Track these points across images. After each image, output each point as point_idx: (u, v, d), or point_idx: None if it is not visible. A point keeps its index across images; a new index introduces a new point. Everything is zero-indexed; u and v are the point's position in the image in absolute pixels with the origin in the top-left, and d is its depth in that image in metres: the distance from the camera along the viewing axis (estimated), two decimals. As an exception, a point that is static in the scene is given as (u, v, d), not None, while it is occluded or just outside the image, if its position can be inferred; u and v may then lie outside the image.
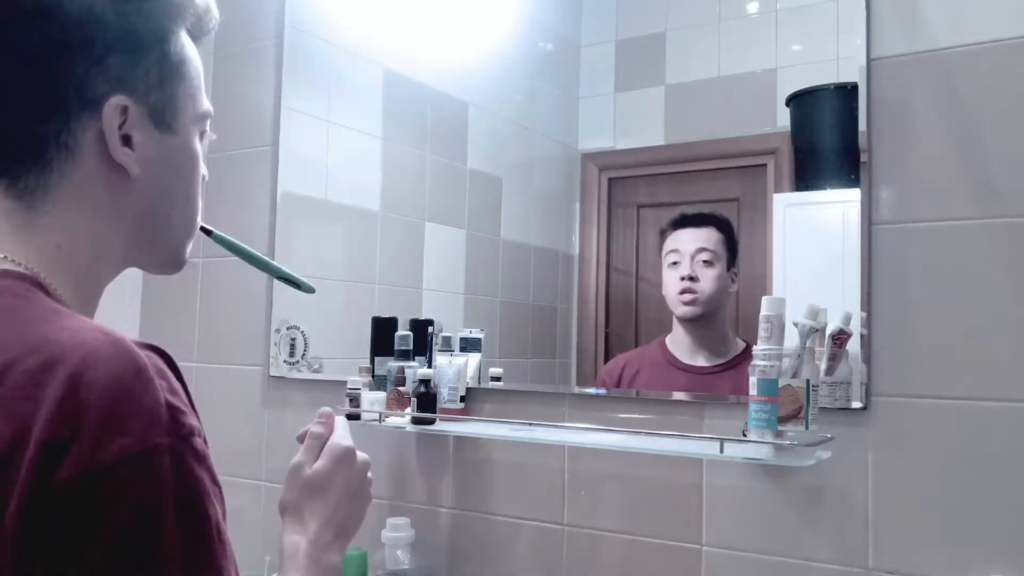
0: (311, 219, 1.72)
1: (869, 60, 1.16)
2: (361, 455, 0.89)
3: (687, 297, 1.35)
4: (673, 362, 1.37)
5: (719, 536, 1.22)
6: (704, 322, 1.36)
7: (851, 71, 1.17)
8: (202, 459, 0.57)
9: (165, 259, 0.77)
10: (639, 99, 1.47)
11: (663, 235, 1.39)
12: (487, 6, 1.65)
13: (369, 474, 0.90)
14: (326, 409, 0.91)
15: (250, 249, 0.93)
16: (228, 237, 0.88)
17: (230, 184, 1.76)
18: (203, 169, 0.78)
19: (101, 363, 0.54)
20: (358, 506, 0.88)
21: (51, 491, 0.50)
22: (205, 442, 0.58)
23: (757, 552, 1.19)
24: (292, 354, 1.66)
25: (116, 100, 0.66)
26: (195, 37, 0.75)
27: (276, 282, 1.66)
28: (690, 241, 1.35)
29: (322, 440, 0.88)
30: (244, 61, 1.78)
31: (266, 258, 0.97)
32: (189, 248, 0.78)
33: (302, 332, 1.66)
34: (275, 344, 1.67)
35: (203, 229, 0.82)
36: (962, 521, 1.08)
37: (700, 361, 1.35)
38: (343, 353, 1.66)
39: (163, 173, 0.71)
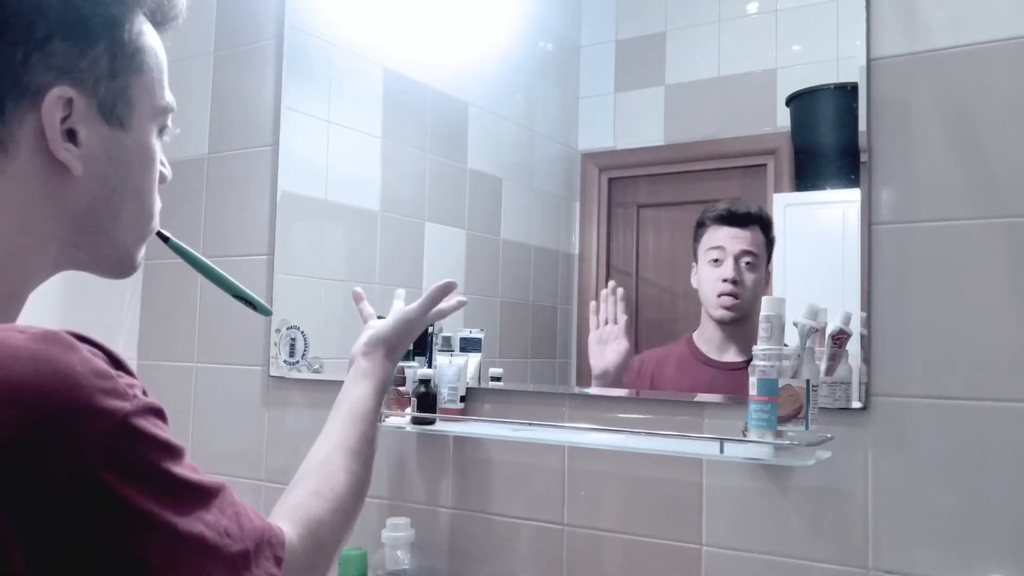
0: (311, 219, 1.72)
1: (869, 60, 1.16)
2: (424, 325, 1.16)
3: (727, 301, 1.32)
4: (700, 358, 1.35)
5: (719, 536, 1.23)
6: (738, 322, 1.35)
7: (851, 71, 1.17)
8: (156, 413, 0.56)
9: (111, 263, 0.71)
10: (639, 99, 1.47)
11: (701, 227, 1.35)
12: (487, 6, 1.65)
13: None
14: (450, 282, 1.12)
15: (207, 262, 0.87)
16: (185, 246, 0.84)
17: (230, 184, 1.76)
18: (165, 169, 0.73)
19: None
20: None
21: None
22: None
23: (757, 552, 1.19)
24: (292, 354, 1.66)
25: (59, 91, 0.61)
26: (158, 25, 0.70)
27: (276, 282, 1.67)
28: (735, 241, 1.31)
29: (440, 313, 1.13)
30: (244, 61, 1.78)
31: (223, 273, 0.91)
32: (141, 252, 0.73)
33: (302, 332, 1.66)
34: (275, 344, 1.67)
35: (159, 235, 0.77)
36: (962, 521, 1.08)
37: (728, 357, 1.33)
38: (343, 353, 1.65)
39: (111, 172, 0.66)
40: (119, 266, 0.72)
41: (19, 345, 0.52)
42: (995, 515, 1.06)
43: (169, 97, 0.71)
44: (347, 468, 0.90)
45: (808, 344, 1.08)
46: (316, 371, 1.65)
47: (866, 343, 1.14)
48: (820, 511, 1.16)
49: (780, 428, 1.03)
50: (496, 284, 1.62)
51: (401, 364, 1.41)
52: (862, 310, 1.14)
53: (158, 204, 0.73)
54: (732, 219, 1.33)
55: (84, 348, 0.54)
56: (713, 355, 1.34)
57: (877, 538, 1.12)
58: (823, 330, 1.12)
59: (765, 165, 1.33)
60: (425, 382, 1.37)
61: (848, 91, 1.17)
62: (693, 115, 1.42)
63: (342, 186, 1.71)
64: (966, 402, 1.08)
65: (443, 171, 1.69)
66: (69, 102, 0.62)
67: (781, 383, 1.04)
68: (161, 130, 0.71)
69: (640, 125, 1.47)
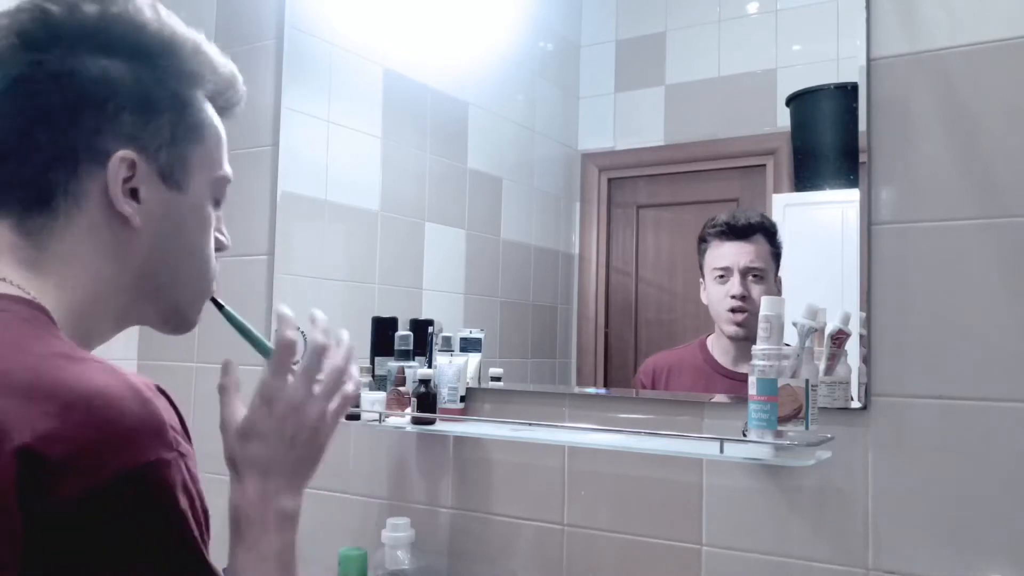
0: (311, 219, 1.72)
1: (869, 60, 1.16)
2: (291, 396, 0.80)
3: (739, 317, 1.29)
4: (717, 368, 1.32)
5: (719, 536, 1.23)
6: (751, 337, 1.31)
7: (851, 71, 1.17)
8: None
9: (168, 317, 0.78)
10: (639, 99, 1.47)
11: (703, 243, 1.33)
12: (487, 6, 1.65)
13: (311, 410, 0.80)
14: (227, 361, 0.85)
15: (257, 333, 0.89)
16: (238, 316, 0.86)
17: (230, 184, 1.75)
18: (224, 237, 0.80)
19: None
20: (303, 448, 0.78)
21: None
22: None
23: (757, 552, 1.19)
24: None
25: (123, 154, 0.68)
26: (220, 109, 0.80)
27: (276, 281, 1.67)
28: (739, 256, 1.29)
29: (228, 394, 0.81)
30: (244, 61, 1.77)
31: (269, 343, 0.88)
32: (198, 311, 0.79)
33: (302, 332, 1.66)
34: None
35: (213, 301, 0.83)
36: (962, 521, 1.08)
37: (745, 368, 1.28)
38: (343, 353, 1.66)
39: (167, 229, 0.73)
40: (176, 322, 0.79)
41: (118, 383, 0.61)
42: (995, 515, 1.06)
43: (227, 169, 0.80)
44: None
45: (807, 344, 1.08)
46: (316, 371, 1.64)
47: (865, 343, 1.14)
48: (820, 511, 1.16)
49: (780, 428, 1.04)
50: (496, 284, 1.62)
51: (401, 364, 1.41)
52: (861, 310, 1.14)
53: (216, 268, 0.80)
54: (733, 232, 1.30)
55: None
56: (729, 366, 1.31)
57: (877, 538, 1.12)
58: (822, 330, 1.12)
59: (764, 165, 1.33)
60: (425, 382, 1.37)
61: (848, 91, 1.17)
62: (693, 115, 1.42)
63: (342, 186, 1.71)
64: (966, 402, 1.08)
65: (443, 171, 1.69)
66: (132, 164, 0.69)
67: (780, 383, 1.04)
68: (217, 201, 0.80)
69: (640, 125, 1.47)
